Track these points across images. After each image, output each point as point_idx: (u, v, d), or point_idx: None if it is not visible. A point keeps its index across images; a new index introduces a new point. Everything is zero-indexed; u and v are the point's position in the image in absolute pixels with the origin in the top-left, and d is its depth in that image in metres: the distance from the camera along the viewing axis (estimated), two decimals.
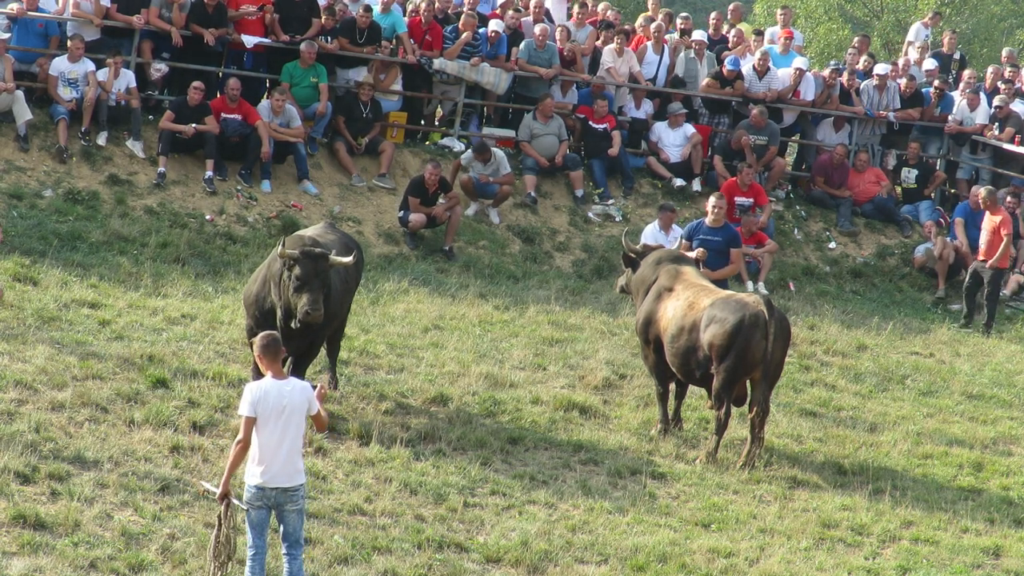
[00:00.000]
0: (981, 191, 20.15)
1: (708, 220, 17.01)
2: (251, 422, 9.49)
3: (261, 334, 9.84)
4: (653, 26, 22.26)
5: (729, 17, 23.64)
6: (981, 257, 19.58)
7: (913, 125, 22.79)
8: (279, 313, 12.77)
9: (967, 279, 19.73)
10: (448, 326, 16.31)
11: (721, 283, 15.89)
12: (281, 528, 9.65)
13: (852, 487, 13.19)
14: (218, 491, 9.68)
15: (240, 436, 9.54)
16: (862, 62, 23.17)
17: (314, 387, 9.82)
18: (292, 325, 12.61)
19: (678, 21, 23.30)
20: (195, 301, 15.87)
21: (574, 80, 21.72)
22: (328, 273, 12.71)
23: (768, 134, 21.66)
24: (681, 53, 22.14)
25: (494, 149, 20.17)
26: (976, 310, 19.59)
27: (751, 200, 20.53)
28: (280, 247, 12.58)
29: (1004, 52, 24.92)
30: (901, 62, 23.73)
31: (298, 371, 13.14)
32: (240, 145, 19.34)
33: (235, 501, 9.69)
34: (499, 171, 20.01)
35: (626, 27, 22.61)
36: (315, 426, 9.90)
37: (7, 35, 18.80)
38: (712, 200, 17.16)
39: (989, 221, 19.57)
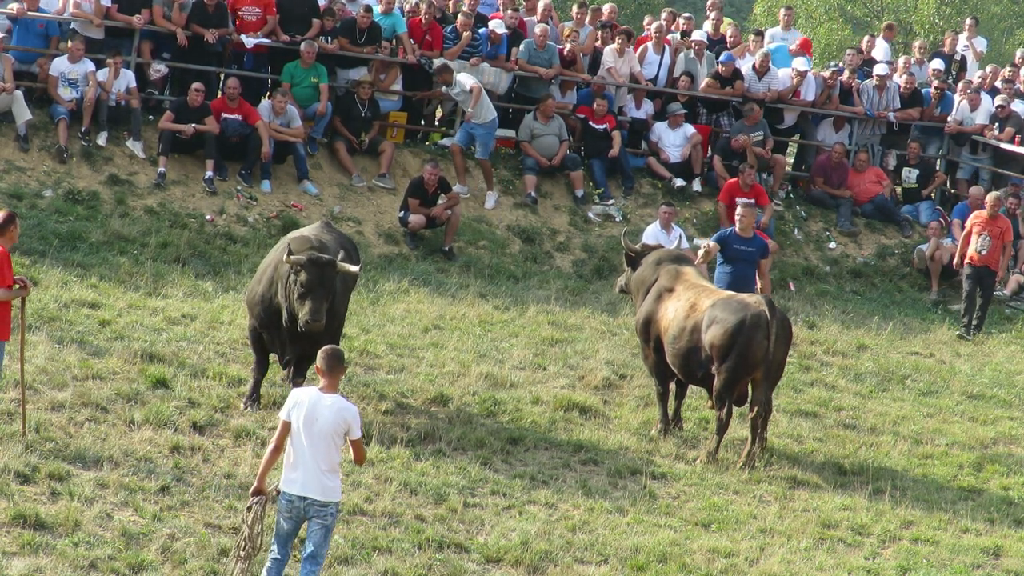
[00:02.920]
0: (992, 195, 19.85)
1: (737, 228, 15.63)
2: (285, 426, 9.45)
3: (327, 349, 9.62)
4: (654, 26, 22.27)
5: (710, 15, 23.54)
6: (977, 262, 19.10)
7: (913, 125, 22.80)
8: (284, 315, 12.78)
9: (968, 287, 19.25)
10: (448, 326, 16.30)
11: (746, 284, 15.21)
12: (307, 539, 9.58)
13: (852, 487, 13.20)
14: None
15: (274, 438, 9.55)
16: (870, 58, 23.16)
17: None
18: (298, 328, 12.61)
19: (681, 21, 23.28)
20: (195, 301, 15.87)
21: (574, 80, 21.73)
22: (334, 280, 12.71)
23: (761, 129, 21.64)
24: (681, 53, 22.14)
25: (456, 74, 20.16)
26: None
27: (753, 201, 20.51)
28: (287, 253, 12.54)
29: (1018, 53, 24.86)
30: (900, 61, 23.73)
31: (300, 371, 13.16)
32: (240, 145, 19.34)
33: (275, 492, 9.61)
34: (467, 88, 20.01)
35: (627, 28, 22.57)
36: (354, 455, 9.68)
37: (2, 34, 18.79)
38: (739, 209, 15.91)
39: (994, 227, 19.19)
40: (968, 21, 26.01)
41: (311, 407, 9.40)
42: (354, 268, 12.89)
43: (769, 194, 21.37)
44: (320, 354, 9.57)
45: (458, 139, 20.41)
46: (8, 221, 11.82)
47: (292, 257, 12.48)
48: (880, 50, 24.08)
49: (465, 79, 20.15)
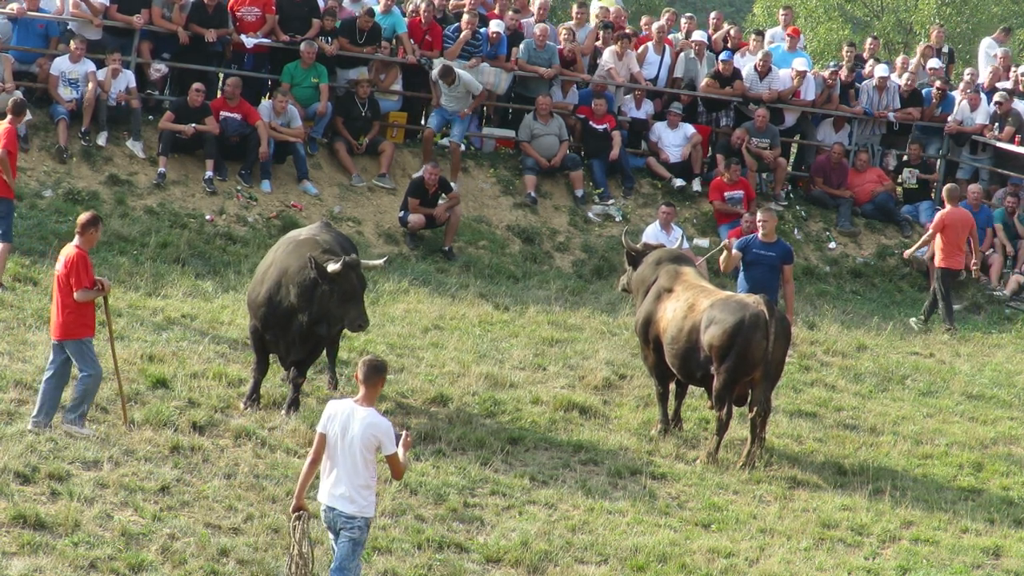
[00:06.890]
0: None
1: (760, 234, 15.44)
2: (321, 439, 9.37)
3: (368, 359, 9.48)
4: (655, 26, 22.27)
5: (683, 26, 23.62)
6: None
7: (913, 125, 22.80)
8: (301, 318, 12.79)
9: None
10: (448, 326, 16.31)
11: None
12: (336, 551, 9.54)
13: (852, 487, 13.19)
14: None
15: (311, 451, 9.50)
16: (869, 65, 23.16)
17: (397, 435, 9.47)
18: (320, 332, 12.74)
19: (682, 22, 23.28)
20: (195, 301, 15.87)
21: (574, 80, 21.73)
22: (364, 279, 12.98)
23: (769, 136, 21.68)
24: (682, 53, 22.14)
25: (459, 71, 20.23)
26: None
27: (741, 192, 20.59)
28: (315, 265, 12.56)
29: (981, 50, 24.93)
30: (899, 60, 23.71)
31: (301, 372, 13.17)
32: (240, 145, 19.35)
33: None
34: (468, 97, 20.28)
35: (628, 31, 22.56)
36: (391, 471, 9.58)
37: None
38: (760, 215, 15.66)
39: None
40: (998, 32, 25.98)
41: (344, 420, 9.30)
42: (377, 262, 13.50)
43: (772, 196, 21.41)
44: (361, 363, 9.41)
45: (433, 124, 20.50)
46: (90, 223, 11.95)
47: (331, 269, 12.54)
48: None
49: (471, 82, 20.22)
